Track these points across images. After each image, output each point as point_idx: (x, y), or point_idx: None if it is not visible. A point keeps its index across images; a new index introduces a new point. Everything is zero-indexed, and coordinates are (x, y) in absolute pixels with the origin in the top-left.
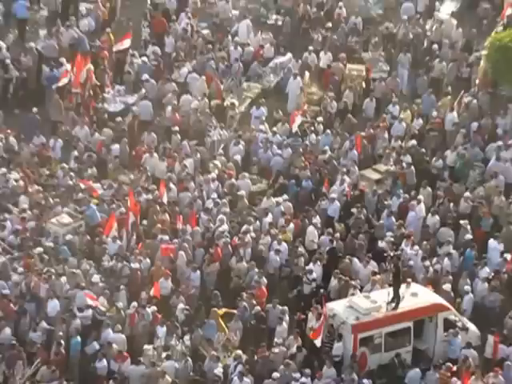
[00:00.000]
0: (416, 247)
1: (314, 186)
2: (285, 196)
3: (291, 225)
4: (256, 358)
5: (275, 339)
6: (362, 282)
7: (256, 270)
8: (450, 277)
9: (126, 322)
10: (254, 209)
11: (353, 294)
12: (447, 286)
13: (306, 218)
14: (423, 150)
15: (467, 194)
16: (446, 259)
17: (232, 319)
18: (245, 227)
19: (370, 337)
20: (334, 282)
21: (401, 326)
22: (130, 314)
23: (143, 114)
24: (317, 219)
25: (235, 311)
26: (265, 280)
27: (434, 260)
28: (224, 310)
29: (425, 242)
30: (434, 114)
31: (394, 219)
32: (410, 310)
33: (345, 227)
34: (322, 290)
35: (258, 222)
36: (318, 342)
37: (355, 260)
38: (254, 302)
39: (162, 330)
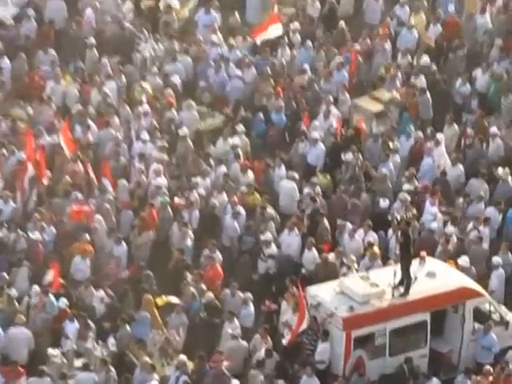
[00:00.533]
0: (434, 209)
1: (288, 122)
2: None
3: (249, 173)
4: (208, 366)
5: None
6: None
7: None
8: (486, 246)
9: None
10: (204, 154)
11: (345, 275)
12: (464, 260)
13: (274, 167)
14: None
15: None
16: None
17: (173, 311)
18: (191, 181)
19: (368, 335)
20: (309, 254)
21: (413, 320)
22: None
23: (54, 16)
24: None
25: (177, 300)
26: (219, 255)
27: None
28: (162, 298)
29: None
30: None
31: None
32: (426, 296)
33: (332, 180)
34: (303, 271)
35: (209, 174)
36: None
37: (349, 226)
38: (204, 286)
39: (72, 328)
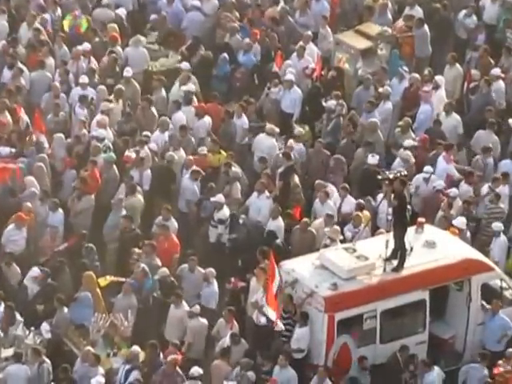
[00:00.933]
0: (451, 167)
1: (257, 62)
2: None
3: (206, 119)
4: (162, 359)
5: None
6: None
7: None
8: (504, 206)
9: None
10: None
11: (326, 246)
12: (460, 222)
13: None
14: None
15: None
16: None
17: (120, 291)
18: (142, 134)
19: (355, 318)
20: (274, 223)
21: (408, 300)
22: None
23: None
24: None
25: (124, 279)
26: (174, 223)
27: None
28: (105, 278)
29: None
30: None
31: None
32: (424, 271)
33: (311, 131)
34: (278, 241)
35: (163, 127)
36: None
37: (332, 189)
38: (158, 260)
39: None
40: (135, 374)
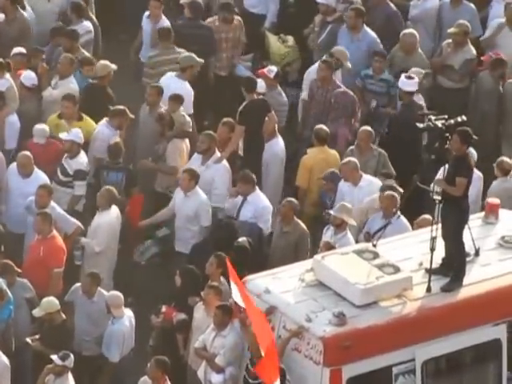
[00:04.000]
0: None
1: None
2: None
3: None
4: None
5: None
6: None
7: None
8: None
9: None
10: None
11: (328, 248)
12: None
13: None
14: None
15: None
16: None
17: None
18: None
19: (378, 374)
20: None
21: (471, 341)
22: None
23: None
24: None
25: None
26: (57, 209)
27: None
28: None
29: None
30: None
31: None
32: (499, 290)
33: (298, 46)
34: (242, 239)
35: None
36: None
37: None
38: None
39: None
40: None
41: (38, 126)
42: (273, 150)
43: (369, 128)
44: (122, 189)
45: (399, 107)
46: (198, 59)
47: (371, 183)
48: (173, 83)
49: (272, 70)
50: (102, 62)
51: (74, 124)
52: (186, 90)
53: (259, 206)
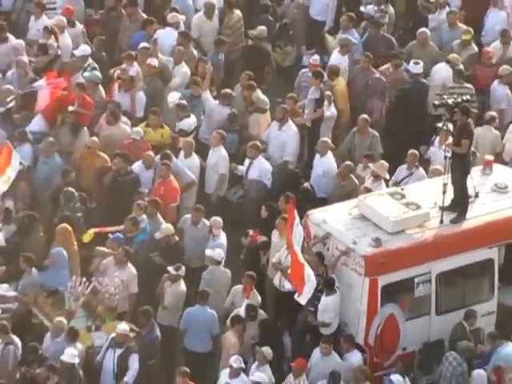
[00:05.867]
0: None
1: None
2: None
3: None
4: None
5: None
6: None
7: None
8: None
9: None
10: None
11: (367, 191)
12: None
13: None
14: None
15: None
16: None
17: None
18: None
19: (404, 282)
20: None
21: (472, 259)
22: None
23: None
24: None
25: (114, 228)
26: (179, 164)
27: None
28: (89, 233)
29: None
30: None
31: None
32: (493, 222)
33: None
34: (306, 184)
35: None
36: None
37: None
38: (160, 217)
39: None
40: (134, 361)
41: (136, 128)
42: None
43: (366, 116)
44: (237, 143)
45: (409, 84)
46: None
47: None
48: None
49: (315, 58)
50: None
51: (157, 131)
52: None
53: (263, 167)
